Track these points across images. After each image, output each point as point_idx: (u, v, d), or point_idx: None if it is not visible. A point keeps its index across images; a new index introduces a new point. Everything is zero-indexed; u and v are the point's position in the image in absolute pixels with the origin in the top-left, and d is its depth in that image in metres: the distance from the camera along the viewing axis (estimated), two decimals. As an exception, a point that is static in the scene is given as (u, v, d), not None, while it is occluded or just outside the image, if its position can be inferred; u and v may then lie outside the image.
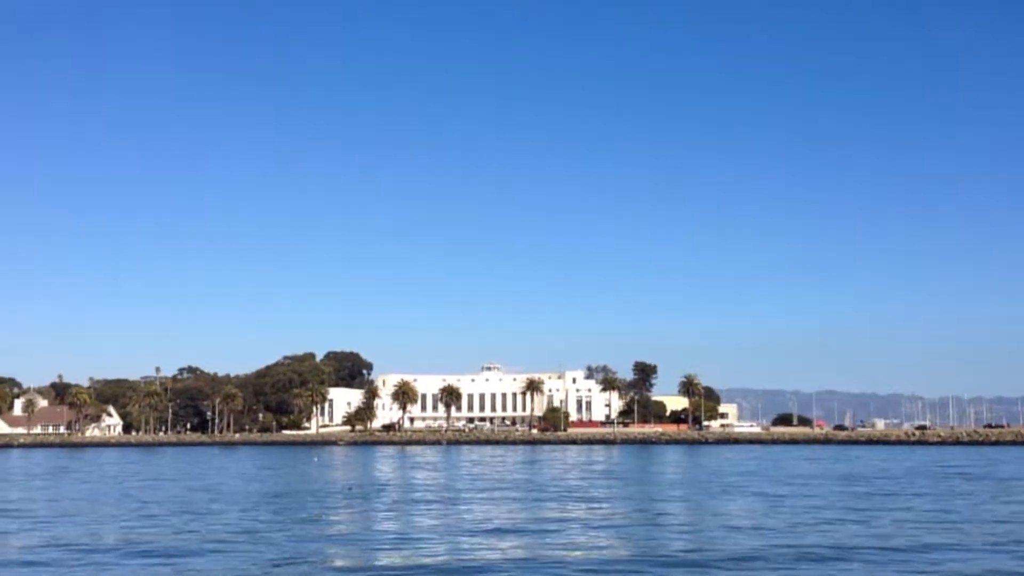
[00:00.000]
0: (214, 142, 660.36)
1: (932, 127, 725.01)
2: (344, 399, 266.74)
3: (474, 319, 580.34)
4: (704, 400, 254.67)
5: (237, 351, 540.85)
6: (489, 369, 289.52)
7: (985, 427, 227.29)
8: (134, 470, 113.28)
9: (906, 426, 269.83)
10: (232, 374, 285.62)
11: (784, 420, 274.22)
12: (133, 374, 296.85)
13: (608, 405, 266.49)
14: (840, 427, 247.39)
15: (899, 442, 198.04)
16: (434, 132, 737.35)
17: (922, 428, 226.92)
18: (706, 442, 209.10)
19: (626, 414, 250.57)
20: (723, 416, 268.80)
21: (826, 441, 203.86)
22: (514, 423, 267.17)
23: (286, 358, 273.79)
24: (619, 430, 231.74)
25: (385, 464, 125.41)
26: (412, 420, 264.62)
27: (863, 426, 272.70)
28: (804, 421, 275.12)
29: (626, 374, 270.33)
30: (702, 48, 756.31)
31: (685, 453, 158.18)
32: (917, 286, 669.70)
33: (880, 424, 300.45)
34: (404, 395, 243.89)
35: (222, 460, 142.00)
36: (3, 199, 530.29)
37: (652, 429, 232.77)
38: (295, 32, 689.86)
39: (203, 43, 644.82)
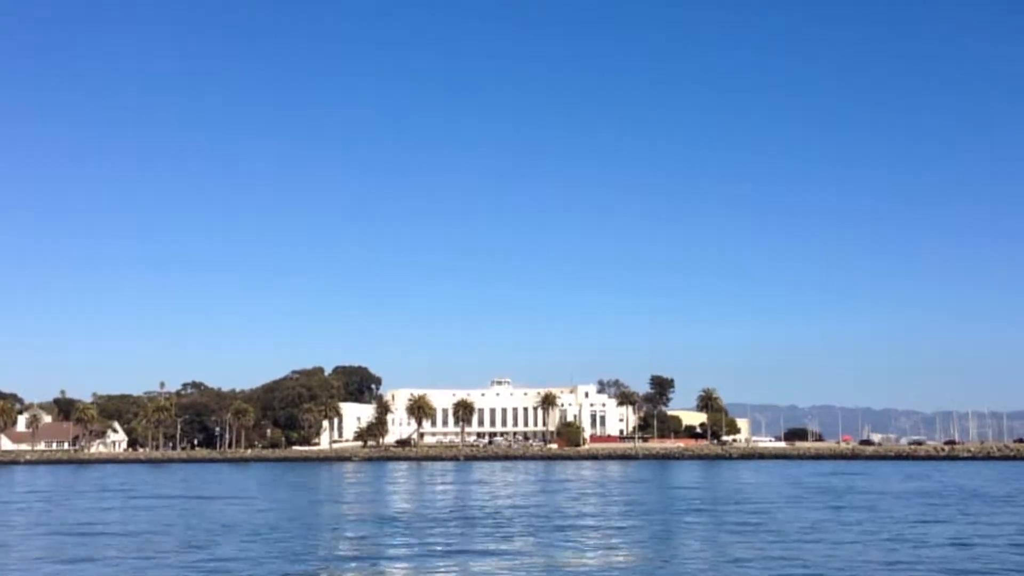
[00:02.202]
0: (221, 155, 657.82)
1: (932, 141, 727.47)
2: (353, 414, 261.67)
3: (480, 333, 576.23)
4: (717, 415, 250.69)
5: (239, 366, 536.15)
6: (499, 384, 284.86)
7: (1016, 442, 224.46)
8: (204, 490, 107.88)
9: (903, 441, 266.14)
10: (236, 389, 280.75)
11: (798, 435, 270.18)
12: (135, 389, 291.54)
13: (623, 420, 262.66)
14: (866, 442, 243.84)
15: (928, 457, 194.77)
16: (442, 145, 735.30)
17: (951, 443, 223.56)
18: (730, 457, 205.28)
19: (643, 428, 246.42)
20: (737, 431, 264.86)
21: (853, 456, 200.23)
22: (526, 438, 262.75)
23: (294, 372, 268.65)
24: (640, 445, 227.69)
25: (435, 481, 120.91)
26: (422, 436, 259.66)
27: (869, 441, 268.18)
28: (801, 434, 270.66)
29: (637, 388, 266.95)
30: (718, 59, 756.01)
31: (727, 469, 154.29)
32: (910, 301, 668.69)
33: (876, 439, 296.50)
34: (420, 410, 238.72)
35: (255, 478, 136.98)
36: (4, 212, 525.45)
37: (674, 444, 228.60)
38: (311, 48, 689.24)
39: (218, 59, 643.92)
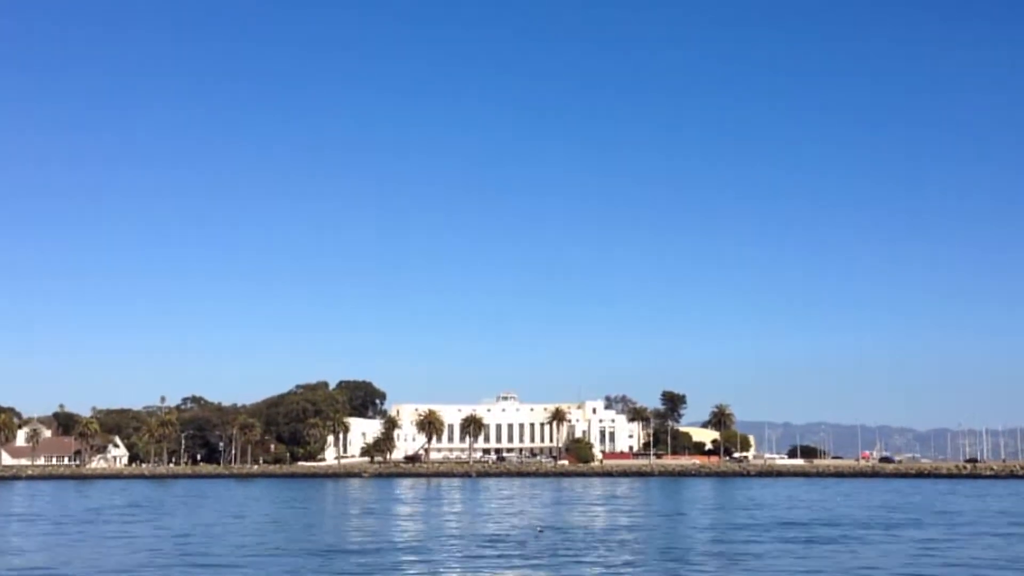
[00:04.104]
0: (223, 165, 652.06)
1: (928, 155, 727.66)
2: (358, 429, 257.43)
3: (482, 348, 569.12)
4: (731, 432, 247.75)
5: (239, 381, 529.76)
6: (505, 399, 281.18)
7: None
8: (270, 509, 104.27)
9: (898, 459, 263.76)
10: (237, 404, 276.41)
11: (809, 452, 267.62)
12: (134, 403, 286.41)
13: (632, 436, 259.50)
14: (886, 459, 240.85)
15: (950, 475, 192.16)
16: (447, 156, 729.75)
17: (972, 461, 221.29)
18: (747, 475, 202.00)
19: (655, 445, 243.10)
20: (748, 447, 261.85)
21: (873, 474, 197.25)
22: (533, 454, 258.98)
23: (299, 387, 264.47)
24: (655, 462, 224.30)
25: (472, 498, 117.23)
26: (428, 451, 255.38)
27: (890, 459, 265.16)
28: (810, 452, 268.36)
29: (643, 403, 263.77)
30: (727, 70, 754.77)
31: (760, 487, 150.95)
32: (904, 319, 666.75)
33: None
34: (430, 425, 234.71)
35: (285, 494, 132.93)
36: (2, 224, 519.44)
37: (689, 461, 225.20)
38: (313, 57, 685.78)
39: (218, 69, 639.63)
